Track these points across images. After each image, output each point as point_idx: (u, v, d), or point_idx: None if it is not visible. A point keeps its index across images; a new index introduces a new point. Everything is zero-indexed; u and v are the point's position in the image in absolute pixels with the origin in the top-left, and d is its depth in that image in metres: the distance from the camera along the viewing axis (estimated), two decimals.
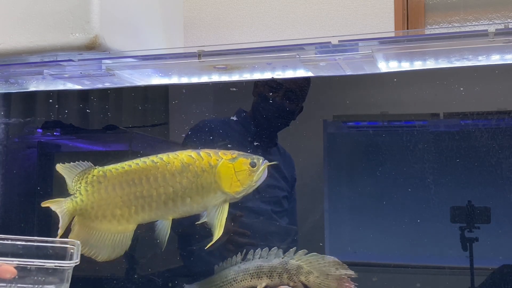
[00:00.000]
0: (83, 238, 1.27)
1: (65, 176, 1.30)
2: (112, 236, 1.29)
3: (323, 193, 1.66)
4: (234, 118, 1.72)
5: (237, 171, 1.27)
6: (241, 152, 1.30)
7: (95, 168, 1.29)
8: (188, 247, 1.69)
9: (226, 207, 1.27)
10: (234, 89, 1.66)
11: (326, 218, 1.65)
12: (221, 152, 1.28)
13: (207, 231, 1.54)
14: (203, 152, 1.28)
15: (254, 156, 1.29)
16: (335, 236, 1.65)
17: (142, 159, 1.29)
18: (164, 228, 1.28)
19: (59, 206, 1.27)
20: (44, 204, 1.28)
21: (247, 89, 1.70)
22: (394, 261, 1.59)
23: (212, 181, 1.26)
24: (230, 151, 1.30)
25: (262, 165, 1.28)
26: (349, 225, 1.66)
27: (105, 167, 1.29)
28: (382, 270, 1.59)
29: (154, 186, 1.26)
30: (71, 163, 1.29)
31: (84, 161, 1.29)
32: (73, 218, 1.27)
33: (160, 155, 1.29)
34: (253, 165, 1.27)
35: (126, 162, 1.29)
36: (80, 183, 1.28)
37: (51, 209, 1.27)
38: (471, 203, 1.52)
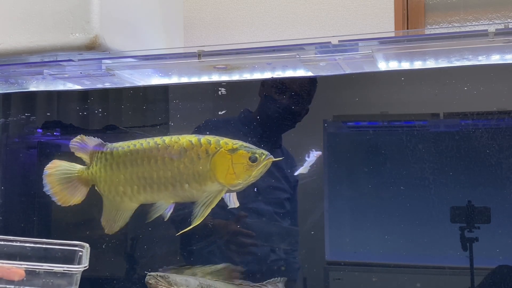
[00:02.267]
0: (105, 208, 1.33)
1: (80, 149, 1.34)
2: (116, 212, 1.32)
3: (323, 193, 1.66)
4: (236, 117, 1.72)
5: (235, 163, 1.24)
6: (245, 144, 1.27)
7: (105, 145, 1.33)
8: (188, 247, 1.69)
9: (217, 198, 1.25)
10: (223, 91, 1.66)
11: (326, 218, 1.65)
12: (223, 141, 1.26)
13: (207, 230, 1.55)
14: (204, 139, 1.27)
15: (257, 151, 1.26)
16: (335, 236, 1.65)
17: (148, 139, 1.30)
18: (161, 209, 1.28)
19: (70, 168, 1.34)
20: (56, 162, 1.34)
21: (247, 89, 1.70)
22: (394, 261, 1.59)
23: (208, 169, 1.24)
24: (234, 140, 1.27)
25: (264, 161, 1.25)
26: (349, 225, 1.66)
27: (114, 144, 1.32)
28: (382, 270, 1.59)
29: (154, 169, 1.27)
30: (86, 137, 1.34)
31: (95, 137, 1.34)
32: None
33: (164, 137, 1.29)
34: (253, 159, 1.24)
35: (133, 141, 1.31)
36: (93, 156, 1.33)
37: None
38: (471, 203, 1.52)
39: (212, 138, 1.27)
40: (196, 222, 1.23)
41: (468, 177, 1.54)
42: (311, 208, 1.66)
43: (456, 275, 1.55)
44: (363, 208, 1.64)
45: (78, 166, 1.35)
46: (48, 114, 1.88)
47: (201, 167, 1.25)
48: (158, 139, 1.29)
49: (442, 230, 1.55)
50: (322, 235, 1.65)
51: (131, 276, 1.74)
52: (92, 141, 1.34)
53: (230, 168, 1.24)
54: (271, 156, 1.27)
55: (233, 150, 1.25)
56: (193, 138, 1.28)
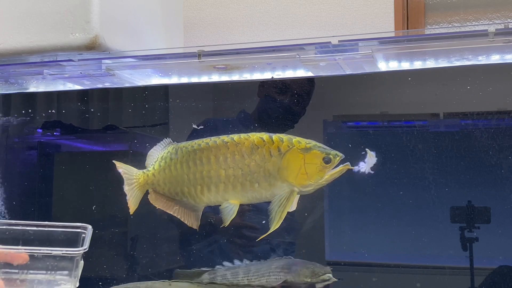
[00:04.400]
0: (162, 206, 1.29)
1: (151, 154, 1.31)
2: (183, 214, 1.28)
3: (323, 193, 1.66)
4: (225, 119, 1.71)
5: (307, 163, 1.18)
6: (319, 144, 1.21)
7: (172, 144, 1.29)
8: (188, 246, 1.69)
9: (291, 199, 1.19)
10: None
11: (326, 218, 1.65)
12: (296, 140, 1.21)
13: (209, 228, 1.54)
14: (276, 136, 1.22)
15: (332, 152, 1.20)
16: (335, 236, 1.65)
17: (213, 138, 1.25)
18: (231, 210, 1.22)
19: (128, 172, 1.29)
20: (117, 163, 1.29)
21: (247, 89, 1.70)
22: (394, 261, 1.59)
23: (279, 168, 1.19)
24: (307, 140, 1.22)
25: (340, 166, 1.18)
26: (349, 225, 1.66)
27: (180, 143, 1.28)
28: (382, 270, 1.59)
29: (223, 167, 1.21)
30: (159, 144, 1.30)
31: (166, 138, 1.30)
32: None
33: (232, 135, 1.24)
34: (327, 161, 1.18)
35: (197, 141, 1.26)
36: (157, 157, 1.29)
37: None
38: (471, 203, 1.52)
39: (284, 136, 1.22)
40: (275, 227, 1.17)
41: (468, 177, 1.54)
42: (311, 208, 1.66)
43: (456, 275, 1.55)
44: (363, 208, 1.64)
45: (135, 170, 1.30)
46: (48, 114, 1.88)
47: (272, 166, 1.19)
48: (224, 137, 1.24)
49: (442, 230, 1.55)
50: (322, 235, 1.65)
51: (131, 276, 1.74)
52: (162, 144, 1.30)
53: (302, 168, 1.18)
54: (348, 163, 1.20)
55: (307, 150, 1.19)
56: (264, 135, 1.22)
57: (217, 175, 1.22)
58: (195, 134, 1.69)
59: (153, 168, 1.28)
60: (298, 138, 1.21)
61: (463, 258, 1.52)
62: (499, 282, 1.50)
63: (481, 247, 1.51)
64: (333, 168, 1.19)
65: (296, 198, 1.24)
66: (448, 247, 1.55)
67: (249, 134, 1.23)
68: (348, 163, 1.20)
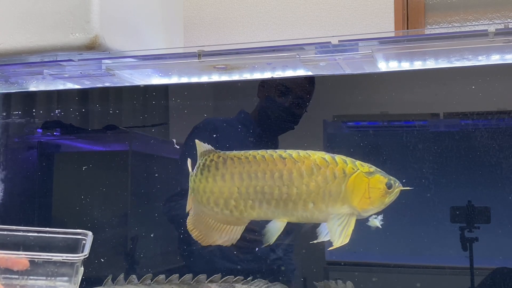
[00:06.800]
0: (195, 218, 1.23)
1: (198, 149, 1.24)
2: (221, 226, 1.22)
3: None
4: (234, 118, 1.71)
5: (371, 187, 1.15)
6: (378, 169, 1.18)
7: (216, 153, 1.21)
8: (189, 247, 1.69)
9: (352, 221, 1.15)
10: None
11: None
12: (358, 162, 1.18)
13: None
14: (339, 158, 1.17)
15: (391, 177, 1.17)
16: None
17: (269, 151, 1.19)
18: (276, 229, 1.17)
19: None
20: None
21: (247, 89, 1.70)
22: (394, 261, 1.59)
23: (342, 190, 1.15)
24: (367, 164, 1.18)
25: (397, 188, 1.17)
26: None
27: (227, 153, 1.21)
28: (382, 270, 1.59)
29: (277, 184, 1.16)
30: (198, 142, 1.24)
31: (205, 143, 1.23)
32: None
33: (289, 151, 1.19)
34: (389, 186, 1.16)
35: (251, 152, 1.20)
36: (201, 161, 1.22)
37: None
38: (471, 203, 1.52)
39: (346, 158, 1.18)
40: (341, 243, 1.14)
41: (468, 177, 1.54)
42: None
43: (456, 275, 1.55)
44: None
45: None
46: (48, 114, 1.88)
47: (335, 187, 1.15)
48: (281, 152, 1.18)
49: (442, 230, 1.55)
50: None
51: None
52: (200, 147, 1.23)
53: (366, 192, 1.15)
54: (401, 185, 1.18)
55: (370, 173, 1.16)
56: (325, 155, 1.17)
57: (270, 192, 1.16)
58: (196, 132, 1.69)
59: (195, 174, 1.21)
60: (359, 161, 1.18)
61: (463, 258, 1.52)
62: (499, 282, 1.50)
63: (481, 247, 1.51)
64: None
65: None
66: (448, 247, 1.55)
67: (308, 152, 1.18)
68: (400, 184, 1.18)
